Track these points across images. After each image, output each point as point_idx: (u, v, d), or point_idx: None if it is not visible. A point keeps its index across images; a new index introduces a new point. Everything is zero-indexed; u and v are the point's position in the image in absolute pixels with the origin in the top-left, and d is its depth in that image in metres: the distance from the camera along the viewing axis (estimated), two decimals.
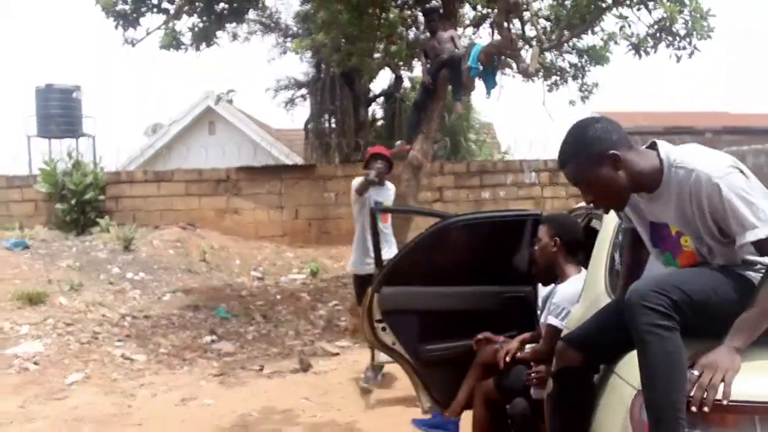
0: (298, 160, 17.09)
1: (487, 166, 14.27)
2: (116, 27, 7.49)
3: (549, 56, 10.26)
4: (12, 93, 40.37)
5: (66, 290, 8.57)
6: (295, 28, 15.37)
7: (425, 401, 4.13)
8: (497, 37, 7.89)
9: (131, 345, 7.28)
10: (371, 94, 16.51)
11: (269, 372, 6.52)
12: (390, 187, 6.37)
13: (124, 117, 41.36)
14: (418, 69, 12.91)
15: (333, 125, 15.73)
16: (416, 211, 7.14)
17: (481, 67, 7.65)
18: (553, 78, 10.79)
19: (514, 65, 8.53)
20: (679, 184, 2.26)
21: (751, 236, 2.16)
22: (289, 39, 15.58)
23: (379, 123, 16.99)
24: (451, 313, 4.07)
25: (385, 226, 6.04)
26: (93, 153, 16.26)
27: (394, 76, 15.71)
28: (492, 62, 7.68)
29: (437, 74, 7.87)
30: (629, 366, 2.18)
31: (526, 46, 8.94)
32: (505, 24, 7.61)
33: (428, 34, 8.46)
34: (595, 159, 2.27)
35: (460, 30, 9.75)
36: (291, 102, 16.70)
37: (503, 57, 7.91)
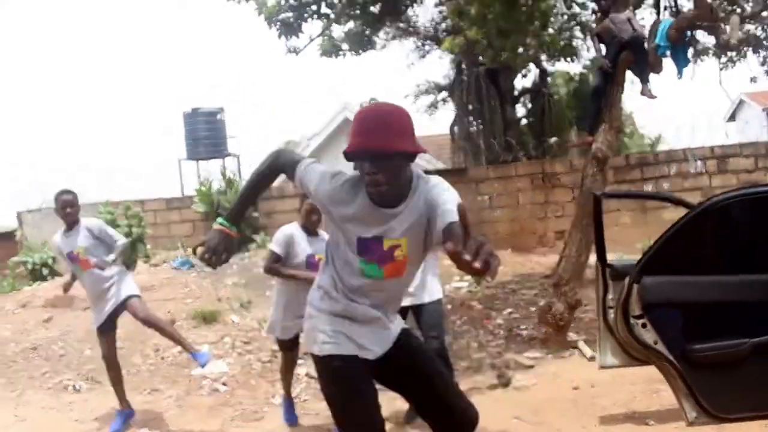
0: (441, 165, 16.70)
1: (647, 158, 13.37)
2: (279, 36, 7.35)
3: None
4: (159, 118, 42.42)
5: (236, 308, 8.50)
6: (432, 31, 15.08)
7: (690, 410, 3.45)
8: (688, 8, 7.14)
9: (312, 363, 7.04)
10: (515, 92, 15.91)
11: (465, 388, 6.02)
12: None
13: (263, 135, 42.43)
14: (561, 64, 12.26)
15: (480, 126, 15.23)
16: (644, 195, 6.39)
17: (669, 45, 6.95)
18: (729, 54, 9.86)
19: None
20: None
21: None
22: (427, 42, 15.30)
23: (524, 121, 16.33)
24: (727, 306, 3.35)
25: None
26: (238, 171, 16.53)
27: (539, 71, 15.07)
28: (683, 38, 6.96)
29: (616, 57, 7.28)
30: None
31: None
32: None
33: (597, 17, 7.91)
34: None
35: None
36: (433, 106, 16.38)
37: (696, 31, 7.16)
